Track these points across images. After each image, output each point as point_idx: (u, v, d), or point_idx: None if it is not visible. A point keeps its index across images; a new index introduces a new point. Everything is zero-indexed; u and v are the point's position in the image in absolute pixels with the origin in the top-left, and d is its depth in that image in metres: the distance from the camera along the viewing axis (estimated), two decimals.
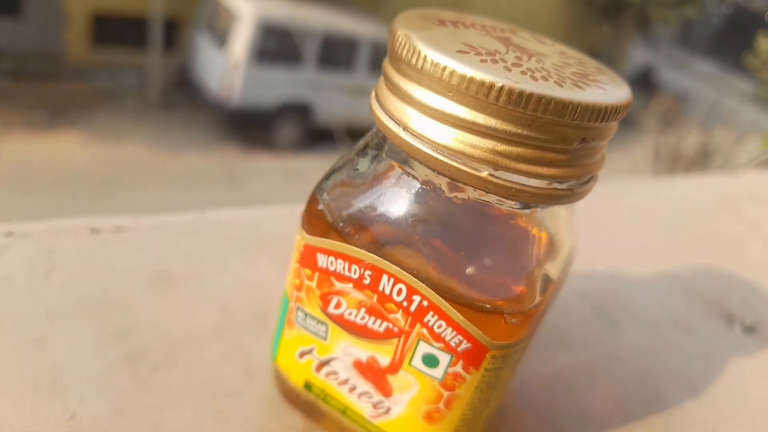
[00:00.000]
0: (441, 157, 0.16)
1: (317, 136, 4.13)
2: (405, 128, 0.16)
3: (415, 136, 0.16)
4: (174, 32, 4.58)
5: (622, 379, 0.29)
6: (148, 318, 0.25)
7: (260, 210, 0.33)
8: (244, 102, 3.87)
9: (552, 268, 0.18)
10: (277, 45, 3.93)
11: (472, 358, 0.18)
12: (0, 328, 0.23)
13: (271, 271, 0.29)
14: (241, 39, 3.82)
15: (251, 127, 4.02)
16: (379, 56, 4.17)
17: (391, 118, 0.17)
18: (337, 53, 4.13)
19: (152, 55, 4.22)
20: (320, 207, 0.19)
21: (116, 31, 4.40)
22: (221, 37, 3.97)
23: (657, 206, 0.49)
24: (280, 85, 3.94)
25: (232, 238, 0.31)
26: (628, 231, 0.43)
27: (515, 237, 0.17)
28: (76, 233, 0.28)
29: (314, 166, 3.91)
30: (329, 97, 4.07)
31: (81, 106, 3.95)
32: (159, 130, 3.93)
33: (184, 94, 4.35)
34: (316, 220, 0.19)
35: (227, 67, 3.84)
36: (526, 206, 0.17)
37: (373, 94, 0.18)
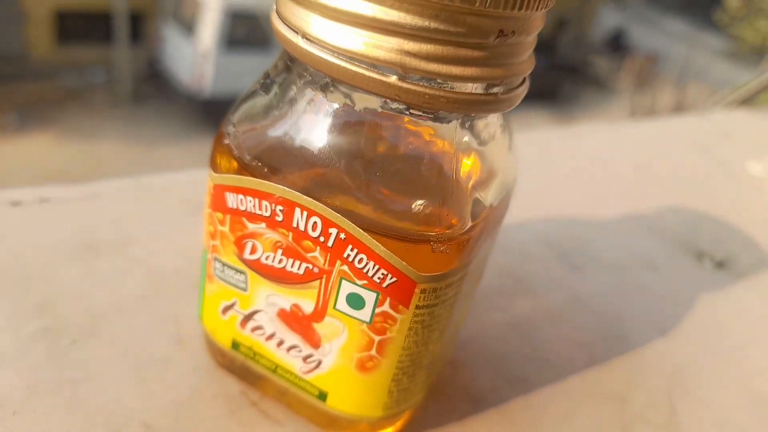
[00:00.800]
0: (343, 63, 0.14)
1: None
2: (304, 35, 0.14)
3: (314, 42, 0.14)
4: (140, 25, 4.49)
5: (585, 322, 0.27)
6: (69, 289, 0.23)
7: (196, 172, 0.31)
8: (216, 91, 3.81)
9: (485, 191, 0.17)
10: (246, 31, 3.87)
11: (400, 294, 0.16)
12: None
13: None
14: (209, 27, 3.76)
15: (224, 116, 3.96)
16: None
17: (289, 27, 0.15)
18: None
19: (119, 49, 4.14)
20: (227, 141, 0.17)
21: (80, 28, 4.31)
22: (189, 27, 3.90)
23: (625, 149, 0.47)
24: (252, 72, 3.88)
25: (167, 203, 0.29)
26: (594, 175, 0.42)
27: (434, 156, 0.16)
28: None
29: None
30: None
31: (51, 106, 3.87)
32: (132, 125, 3.86)
33: (155, 87, 4.28)
34: (223, 156, 0.17)
35: (197, 56, 3.77)
36: (443, 118, 0.15)
37: (274, 8, 0.16)
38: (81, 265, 0.24)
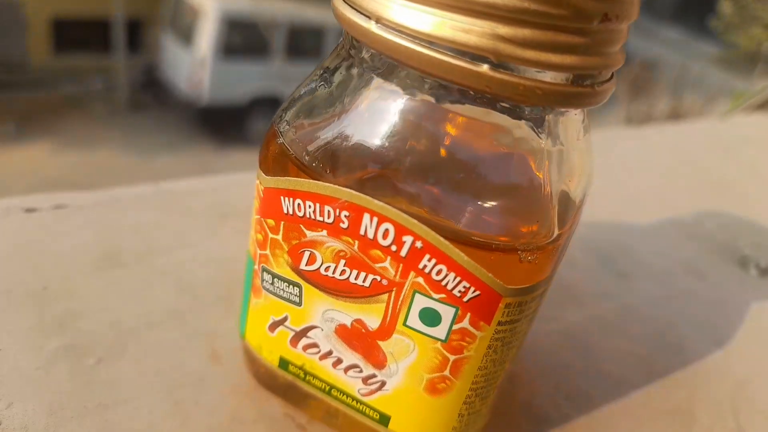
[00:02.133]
0: (426, 51, 0.12)
1: None
2: (378, 20, 0.13)
3: (391, 28, 0.13)
4: (138, 33, 4.48)
5: (640, 333, 0.26)
6: (92, 303, 0.21)
7: (221, 178, 0.30)
8: (213, 98, 3.80)
9: (570, 196, 0.15)
10: (242, 39, 3.86)
11: (483, 309, 0.14)
12: None
13: (235, 244, 0.26)
14: (206, 35, 3.74)
15: (223, 123, 3.96)
16: None
17: (359, 11, 0.13)
18: (304, 43, 4.07)
19: (117, 57, 4.12)
20: (280, 141, 0.15)
21: (78, 36, 4.29)
22: (186, 35, 3.88)
23: (650, 155, 0.46)
24: (249, 79, 3.87)
25: (191, 209, 0.27)
26: (622, 179, 0.40)
27: (524, 155, 0.14)
28: (9, 212, 0.24)
29: None
30: None
31: (49, 115, 3.84)
32: (130, 133, 3.84)
33: (152, 95, 4.25)
34: (276, 157, 0.15)
35: (194, 64, 3.76)
36: (536, 112, 0.13)
37: None
38: (103, 275, 0.23)
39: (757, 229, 0.37)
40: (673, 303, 0.28)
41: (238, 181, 0.30)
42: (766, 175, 0.46)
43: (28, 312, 0.20)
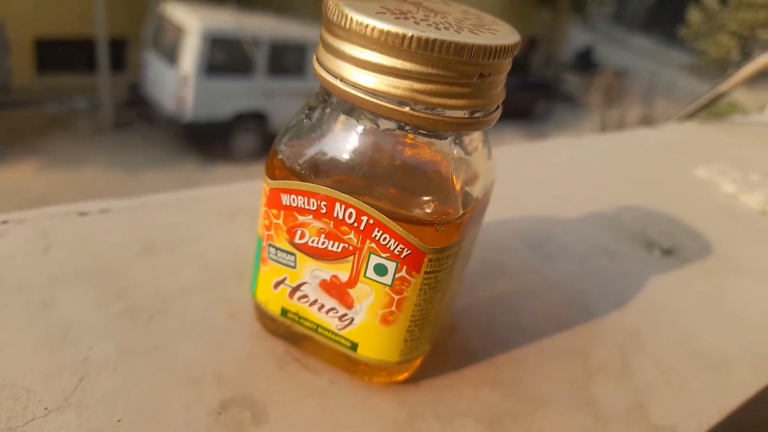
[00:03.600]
0: (372, 99, 0.20)
1: None
2: (342, 79, 0.21)
3: (350, 84, 0.20)
4: (121, 52, 4.54)
5: (555, 298, 0.34)
6: (140, 279, 0.29)
7: (231, 186, 0.37)
8: (197, 115, 3.86)
9: (472, 189, 0.23)
10: (225, 56, 3.94)
11: (414, 262, 0.22)
12: (9, 297, 0.26)
13: (245, 235, 0.33)
14: (190, 52, 3.81)
15: (208, 140, 4.02)
16: None
17: (329, 72, 0.21)
18: (286, 59, 4.16)
19: (101, 76, 4.17)
20: (280, 156, 0.23)
21: (62, 55, 4.34)
22: (170, 53, 3.95)
23: (589, 160, 0.54)
24: (233, 96, 3.95)
25: (208, 210, 0.35)
26: (562, 182, 0.48)
27: (437, 161, 0.22)
28: (67, 216, 0.32)
29: None
30: (283, 103, 4.09)
31: (33, 135, 3.89)
32: (115, 152, 3.90)
33: (137, 113, 4.32)
34: (277, 168, 0.23)
35: (178, 81, 3.83)
36: (442, 135, 0.21)
37: (315, 57, 0.22)
38: (145, 260, 0.30)
39: (666, 219, 0.45)
40: (585, 277, 0.36)
41: (242, 189, 0.37)
42: (684, 175, 0.54)
43: (94, 286, 0.28)
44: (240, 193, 0.37)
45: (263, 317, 0.27)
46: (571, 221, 0.42)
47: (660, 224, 0.44)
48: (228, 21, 3.94)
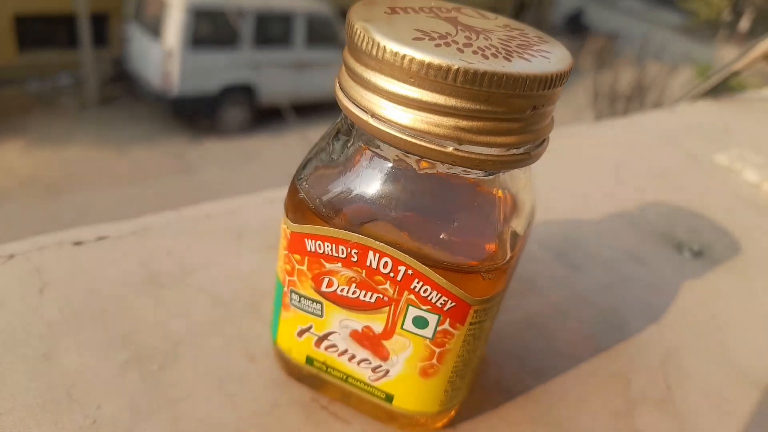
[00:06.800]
0: (409, 138, 0.17)
1: (264, 115, 4.09)
2: (373, 115, 0.18)
3: (383, 121, 0.18)
4: (103, 26, 4.42)
5: (588, 316, 0.32)
6: (145, 321, 0.26)
7: (233, 201, 0.34)
8: (184, 89, 3.78)
9: (518, 226, 0.20)
10: (210, 28, 3.85)
11: (458, 315, 0.19)
12: (6, 349, 0.24)
13: (255, 259, 0.31)
14: (174, 26, 3.72)
15: (196, 114, 3.95)
16: (314, 29, 4.13)
17: (358, 106, 0.18)
18: (273, 30, 4.06)
19: (84, 52, 4.07)
20: (301, 195, 0.20)
21: (43, 32, 4.22)
22: (153, 26, 3.85)
23: (600, 148, 0.52)
24: (219, 68, 3.87)
25: (212, 232, 0.32)
26: (576, 176, 0.46)
27: (482, 202, 0.19)
28: (61, 247, 0.29)
29: (265, 145, 3.87)
30: (271, 74, 4.02)
31: (17, 114, 3.81)
32: (101, 128, 3.82)
33: (122, 89, 4.22)
34: (298, 208, 0.20)
35: (163, 55, 3.74)
36: (489, 173, 0.19)
37: (337, 84, 0.20)
38: (150, 296, 0.28)
39: (692, 215, 0.43)
40: (617, 288, 0.34)
41: (246, 203, 0.35)
42: (703, 163, 0.52)
43: (97, 331, 0.25)
44: (243, 209, 0.34)
45: (285, 363, 0.24)
46: (593, 222, 0.40)
47: (685, 221, 0.42)
48: None
